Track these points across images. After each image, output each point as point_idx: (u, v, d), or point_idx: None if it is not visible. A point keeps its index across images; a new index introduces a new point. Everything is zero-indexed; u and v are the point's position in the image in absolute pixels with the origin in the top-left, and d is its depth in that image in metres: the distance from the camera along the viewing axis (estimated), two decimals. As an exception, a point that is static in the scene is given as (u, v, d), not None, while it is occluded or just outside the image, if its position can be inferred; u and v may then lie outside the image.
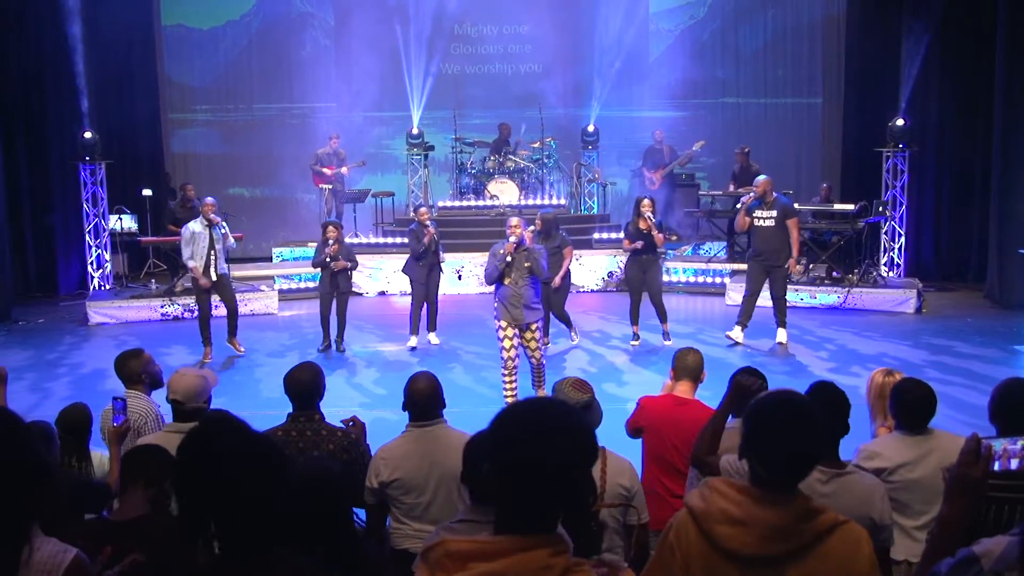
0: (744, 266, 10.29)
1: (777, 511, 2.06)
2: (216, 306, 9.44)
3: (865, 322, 10.48)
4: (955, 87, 12.76)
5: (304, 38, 15.46)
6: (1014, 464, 1.84)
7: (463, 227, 12.87)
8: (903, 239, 12.54)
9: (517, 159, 13.79)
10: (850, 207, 11.57)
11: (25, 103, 13.05)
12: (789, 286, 10.02)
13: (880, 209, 11.93)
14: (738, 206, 9.82)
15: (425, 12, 14.89)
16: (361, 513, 3.71)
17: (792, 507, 2.07)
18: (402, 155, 14.85)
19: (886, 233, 12.58)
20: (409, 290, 9.78)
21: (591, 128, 14.81)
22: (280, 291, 12.10)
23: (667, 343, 9.16)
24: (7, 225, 11.90)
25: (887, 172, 12.44)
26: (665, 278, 11.14)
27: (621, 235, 9.86)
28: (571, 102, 15.24)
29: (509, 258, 7.11)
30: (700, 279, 12.52)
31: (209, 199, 9.19)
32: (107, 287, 12.45)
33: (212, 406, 3.95)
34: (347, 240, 9.85)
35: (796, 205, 11.48)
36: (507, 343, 7.18)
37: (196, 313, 9.67)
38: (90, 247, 12.42)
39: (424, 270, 9.45)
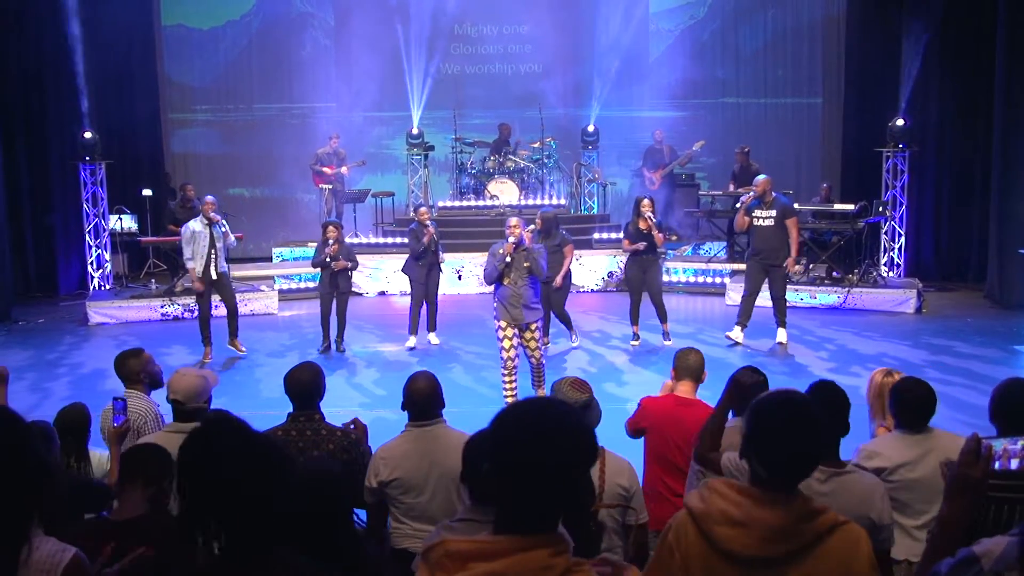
0: (744, 266, 10.29)
1: (777, 512, 2.05)
2: (216, 306, 9.44)
3: (865, 322, 10.48)
4: (955, 87, 12.75)
5: (304, 38, 15.46)
6: (1014, 464, 1.84)
7: (463, 227, 12.87)
8: (903, 239, 12.54)
9: (517, 159, 13.79)
10: (850, 207, 11.57)
11: (25, 103, 13.05)
12: (789, 286, 10.02)
13: (880, 209, 11.93)
14: (737, 205, 9.82)
15: (425, 12, 14.89)
16: (362, 514, 3.71)
17: (792, 508, 2.07)
18: (402, 155, 14.85)
19: (886, 233, 12.58)
20: (409, 290, 9.79)
21: (591, 128, 14.81)
22: (280, 291, 12.10)
23: (667, 343, 9.16)
24: (7, 225, 11.91)
25: (887, 172, 12.44)
26: (665, 278, 11.15)
27: (621, 235, 9.86)
28: (571, 102, 15.24)
29: (509, 259, 7.11)
30: (700, 279, 12.52)
31: (209, 197, 9.19)
32: (107, 287, 12.45)
33: (212, 406, 3.95)
34: (347, 240, 9.85)
35: (796, 205, 11.47)
36: (507, 343, 7.18)
37: (196, 313, 9.68)
38: (90, 247, 12.42)
39: (423, 270, 9.45)
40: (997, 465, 1.85)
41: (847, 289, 11.23)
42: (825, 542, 2.06)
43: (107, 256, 12.56)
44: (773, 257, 9.12)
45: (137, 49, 14.49)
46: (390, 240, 13.34)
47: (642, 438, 4.39)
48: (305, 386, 3.94)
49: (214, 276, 9.02)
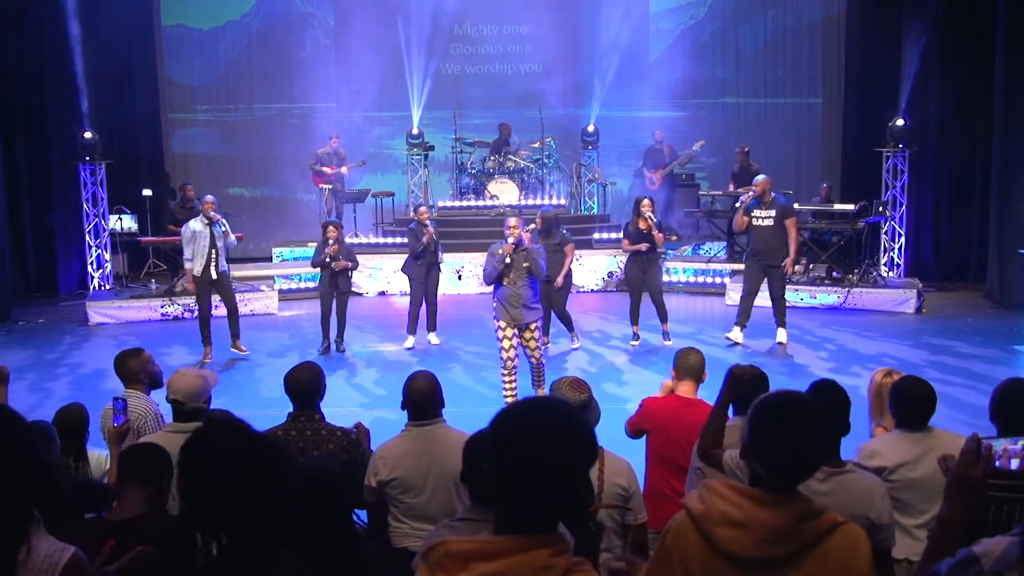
0: (743, 266, 10.29)
1: (777, 513, 2.05)
2: (216, 306, 9.44)
3: (865, 322, 10.48)
4: (955, 87, 12.76)
5: (304, 38, 15.46)
6: (1014, 464, 1.84)
7: (463, 227, 12.87)
8: (903, 239, 12.54)
9: (517, 159, 13.79)
10: (850, 207, 11.57)
11: (25, 103, 13.05)
12: (789, 286, 10.02)
13: (880, 209, 11.93)
14: (737, 205, 9.82)
15: (425, 12, 14.89)
16: (362, 514, 3.70)
17: (792, 509, 2.07)
18: (402, 155, 14.85)
19: (886, 233, 12.59)
20: (408, 290, 9.79)
21: (591, 128, 14.81)
22: (280, 291, 12.10)
23: (667, 343, 9.16)
24: (7, 225, 11.91)
25: (887, 172, 12.44)
26: (665, 278, 11.15)
27: (621, 235, 9.86)
28: (571, 102, 15.24)
29: (508, 259, 7.11)
30: (700, 279, 12.52)
31: (209, 197, 9.19)
32: (107, 287, 12.45)
33: (212, 406, 3.95)
34: (347, 240, 9.85)
35: (796, 205, 11.48)
36: (506, 343, 7.18)
37: (196, 313, 9.67)
38: (90, 247, 12.42)
39: (423, 269, 9.45)
40: (997, 464, 1.85)
41: (847, 289, 11.23)
42: (825, 543, 2.06)
43: (107, 256, 12.56)
44: (772, 257, 9.12)
45: (137, 49, 14.49)
46: (390, 240, 13.34)
47: (642, 439, 4.38)
48: (305, 386, 3.93)
49: (214, 276, 9.01)
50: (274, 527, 1.82)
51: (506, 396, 7.21)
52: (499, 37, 15.61)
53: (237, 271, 11.53)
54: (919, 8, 12.53)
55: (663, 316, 9.31)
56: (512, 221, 7.27)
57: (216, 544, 1.79)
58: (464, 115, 14.66)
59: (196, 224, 8.98)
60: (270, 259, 13.91)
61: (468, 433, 3.09)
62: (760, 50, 15.37)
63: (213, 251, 8.97)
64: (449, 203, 13.82)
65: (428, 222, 9.44)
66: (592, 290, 12.68)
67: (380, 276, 12.71)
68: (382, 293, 12.74)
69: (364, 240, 13.39)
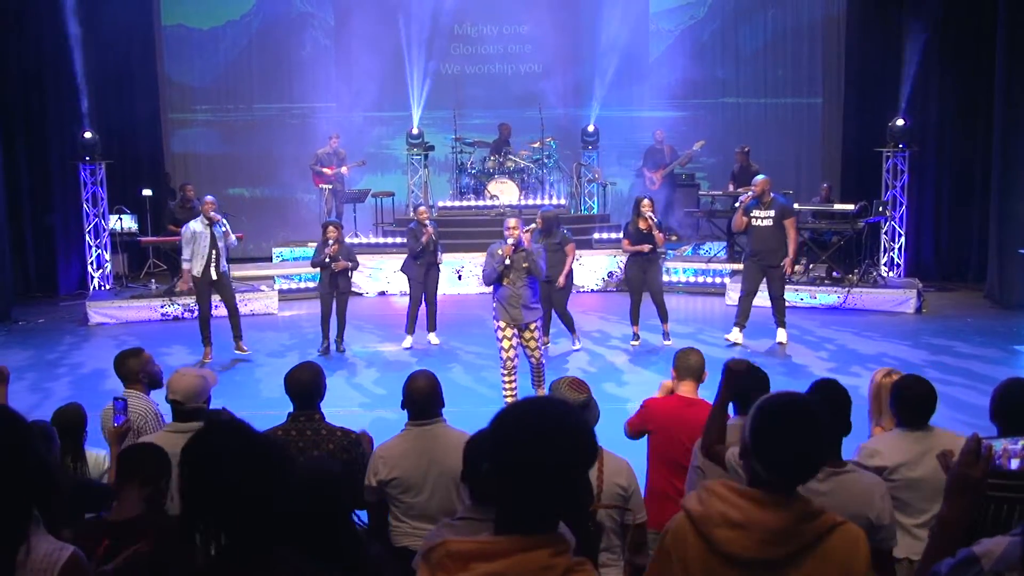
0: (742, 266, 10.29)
1: (777, 514, 2.05)
2: (216, 306, 9.43)
3: (865, 322, 10.48)
4: (955, 87, 12.76)
5: (304, 38, 15.46)
6: (1014, 464, 1.84)
7: (463, 227, 12.87)
8: (903, 239, 12.54)
9: (517, 159, 13.79)
10: (850, 207, 11.57)
11: (25, 103, 13.05)
12: (789, 286, 10.01)
13: (880, 209, 11.93)
14: (736, 205, 9.82)
15: (425, 12, 14.89)
16: (362, 514, 3.70)
17: (792, 509, 2.06)
18: (402, 155, 14.85)
19: (886, 233, 12.58)
20: (408, 290, 9.79)
21: (591, 128, 14.81)
22: (280, 291, 12.10)
23: (667, 343, 9.15)
24: (7, 225, 11.90)
25: (887, 172, 12.44)
26: (665, 278, 11.14)
27: (621, 235, 9.86)
28: (571, 102, 15.24)
29: (508, 260, 7.10)
30: (700, 279, 12.52)
31: (208, 197, 9.19)
32: (107, 287, 12.45)
33: (212, 406, 3.94)
34: (347, 240, 9.85)
35: (796, 205, 11.48)
36: (506, 343, 7.18)
37: (196, 313, 9.67)
38: (90, 247, 12.42)
39: (422, 269, 9.45)
40: (997, 463, 1.84)
41: (847, 289, 11.23)
42: (824, 543, 2.06)
43: (107, 256, 12.56)
44: (771, 258, 9.12)
45: (137, 49, 14.49)
46: (390, 240, 13.34)
47: (642, 439, 4.37)
48: (305, 386, 3.93)
49: (214, 276, 9.01)
50: (275, 527, 1.82)
51: (506, 396, 7.21)
52: (499, 37, 15.61)
53: (237, 271, 11.52)
54: (919, 8, 12.53)
55: (663, 316, 9.31)
56: (511, 222, 7.27)
57: (215, 544, 1.79)
58: (464, 115, 14.66)
59: (196, 225, 8.97)
60: (270, 259, 13.91)
61: (468, 433, 3.09)
62: (760, 50, 15.37)
63: (213, 252, 8.96)
64: (449, 203, 13.82)
65: (427, 222, 9.44)
66: (592, 290, 12.68)
67: (380, 276, 12.71)
68: (382, 293, 12.74)
69: (364, 240, 13.39)
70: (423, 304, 9.58)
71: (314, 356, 8.97)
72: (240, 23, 15.30)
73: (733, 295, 10.97)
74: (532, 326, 7.23)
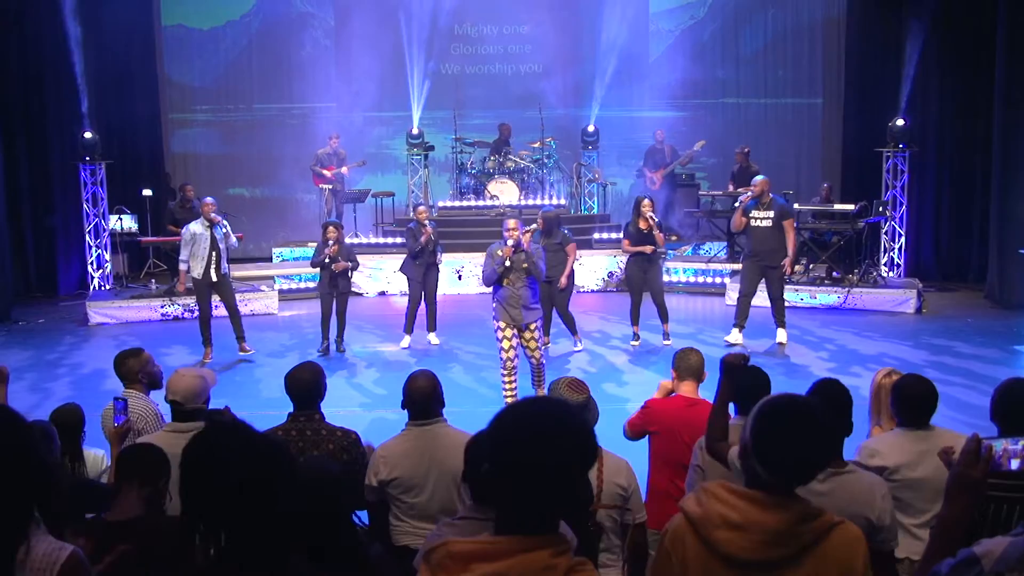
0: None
1: (777, 515, 2.05)
2: (216, 306, 9.43)
3: (865, 322, 10.48)
4: (955, 87, 12.76)
5: (304, 38, 15.46)
6: (1015, 464, 1.84)
7: (463, 227, 12.87)
8: (903, 239, 12.54)
9: (517, 159, 13.79)
10: (850, 207, 11.57)
11: (25, 103, 13.05)
12: (789, 286, 10.01)
13: (880, 209, 11.93)
14: (736, 204, 9.82)
15: (425, 12, 14.89)
16: (362, 515, 3.70)
17: (791, 510, 2.06)
18: (402, 155, 14.85)
19: (886, 233, 12.58)
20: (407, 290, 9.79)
21: (591, 128, 14.81)
22: (280, 291, 12.10)
23: (666, 343, 9.15)
24: (7, 225, 11.91)
25: (887, 172, 12.44)
26: (665, 278, 11.13)
27: (621, 235, 9.86)
28: (571, 102, 15.24)
29: (508, 262, 7.10)
30: (700, 279, 12.52)
31: (208, 199, 9.17)
32: (107, 287, 12.45)
33: (212, 406, 3.94)
34: (347, 240, 9.84)
35: (796, 205, 11.49)
36: (506, 343, 7.18)
37: (196, 313, 9.66)
38: (90, 247, 12.42)
39: (421, 269, 9.45)
40: (997, 461, 1.84)
41: (847, 289, 11.23)
42: (823, 543, 2.06)
43: (107, 256, 12.56)
44: (770, 258, 9.12)
45: (137, 49, 14.49)
46: (390, 240, 13.34)
47: (642, 440, 4.36)
48: (306, 386, 3.93)
49: (214, 278, 8.99)
50: (276, 528, 1.82)
51: (506, 396, 7.21)
52: (499, 37, 15.61)
53: (237, 271, 11.53)
54: (919, 8, 12.53)
55: (663, 316, 9.31)
56: (511, 223, 7.26)
57: (215, 545, 1.79)
58: (464, 115, 14.66)
59: (196, 227, 8.96)
60: (270, 259, 13.91)
61: (469, 433, 3.09)
62: (760, 50, 15.37)
63: (214, 253, 8.94)
64: (449, 203, 13.82)
65: (427, 222, 9.43)
66: (592, 290, 12.68)
67: (380, 276, 12.71)
68: (382, 293, 12.74)
69: (364, 240, 13.39)
70: (423, 304, 9.58)
71: (314, 356, 8.97)
72: (240, 23, 15.30)
73: (733, 295, 10.96)
74: (532, 326, 7.22)
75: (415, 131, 14.43)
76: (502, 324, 7.19)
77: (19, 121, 12.94)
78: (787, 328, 9.37)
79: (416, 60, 14.84)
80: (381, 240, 13.53)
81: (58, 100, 12.95)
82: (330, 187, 13.52)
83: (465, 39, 15.60)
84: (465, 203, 13.73)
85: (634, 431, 4.33)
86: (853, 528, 2.11)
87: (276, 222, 15.17)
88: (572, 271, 9.03)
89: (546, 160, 13.89)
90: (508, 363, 7.18)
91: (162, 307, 11.35)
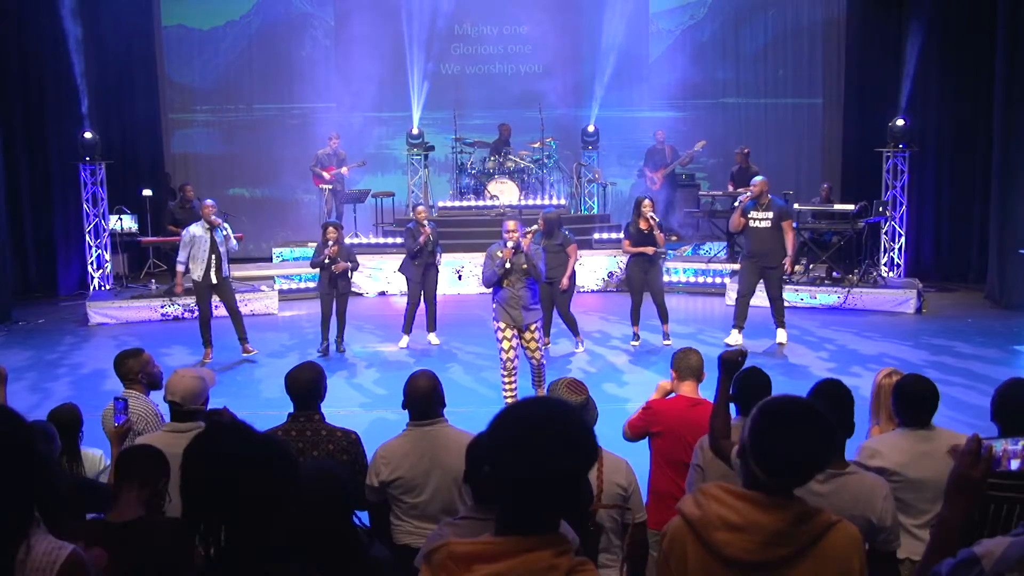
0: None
1: (776, 515, 2.05)
2: (216, 306, 9.42)
3: (865, 322, 10.48)
4: (955, 87, 12.75)
5: (304, 38, 15.46)
6: (1014, 465, 1.84)
7: (463, 227, 12.87)
8: (903, 239, 12.54)
9: (517, 159, 13.79)
10: (850, 207, 11.57)
11: (25, 103, 13.05)
12: (789, 286, 10.01)
13: (880, 209, 11.93)
14: (735, 204, 9.82)
15: (425, 12, 14.89)
16: (362, 516, 3.70)
17: (790, 511, 2.07)
18: (402, 155, 14.85)
19: (886, 233, 12.58)
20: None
21: (591, 128, 14.81)
22: (280, 291, 12.10)
23: (667, 343, 9.15)
24: (7, 225, 11.90)
25: (887, 172, 12.44)
26: (665, 278, 11.13)
27: (621, 235, 9.85)
28: (571, 102, 15.24)
29: (508, 264, 7.10)
30: (700, 279, 12.52)
31: (208, 201, 9.17)
32: (107, 287, 12.45)
33: (213, 405, 3.94)
34: (347, 240, 9.84)
35: (796, 205, 11.49)
36: (506, 344, 7.18)
37: (196, 314, 9.66)
38: (90, 247, 12.42)
39: (420, 269, 9.44)
40: (997, 463, 1.84)
41: (847, 289, 11.23)
42: (821, 543, 2.06)
43: (107, 256, 12.55)
44: (769, 259, 9.12)
45: (137, 49, 14.49)
46: (390, 240, 13.34)
47: (641, 440, 4.35)
48: (306, 386, 3.93)
49: (215, 281, 8.98)
50: (277, 529, 1.82)
51: (506, 397, 7.21)
52: (499, 37, 15.61)
53: (237, 271, 11.52)
54: (919, 8, 12.54)
55: (663, 317, 9.31)
56: (510, 225, 7.25)
57: (215, 546, 1.79)
58: (464, 115, 14.66)
59: (196, 229, 8.95)
60: (270, 259, 13.91)
61: (470, 433, 3.08)
62: (760, 51, 15.38)
63: (213, 256, 8.93)
64: (449, 203, 13.82)
65: (425, 222, 9.43)
66: (592, 290, 12.68)
67: (380, 276, 12.71)
68: (382, 293, 12.74)
69: (364, 240, 13.39)
70: (422, 304, 9.58)
71: (314, 356, 8.96)
72: (240, 23, 15.31)
73: (733, 295, 10.96)
74: (532, 327, 7.22)
75: (415, 131, 14.44)
76: (502, 325, 7.19)
77: (19, 121, 12.94)
78: (787, 328, 9.37)
79: (416, 60, 14.85)
80: (381, 240, 13.53)
81: (58, 100, 12.95)
82: (330, 187, 13.52)
83: (465, 39, 15.60)
84: (465, 203, 13.73)
85: (635, 432, 4.30)
86: (850, 527, 2.12)
87: (276, 222, 15.18)
88: (574, 272, 9.02)
89: (546, 160, 13.89)
90: (508, 364, 7.18)
91: (162, 307, 11.35)
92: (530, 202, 13.27)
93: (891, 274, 12.36)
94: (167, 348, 9.42)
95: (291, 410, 3.94)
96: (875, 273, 11.69)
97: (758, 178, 9.37)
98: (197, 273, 8.96)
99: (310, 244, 12.79)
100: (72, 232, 13.04)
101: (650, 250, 9.12)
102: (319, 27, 15.50)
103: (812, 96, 15.33)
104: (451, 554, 1.74)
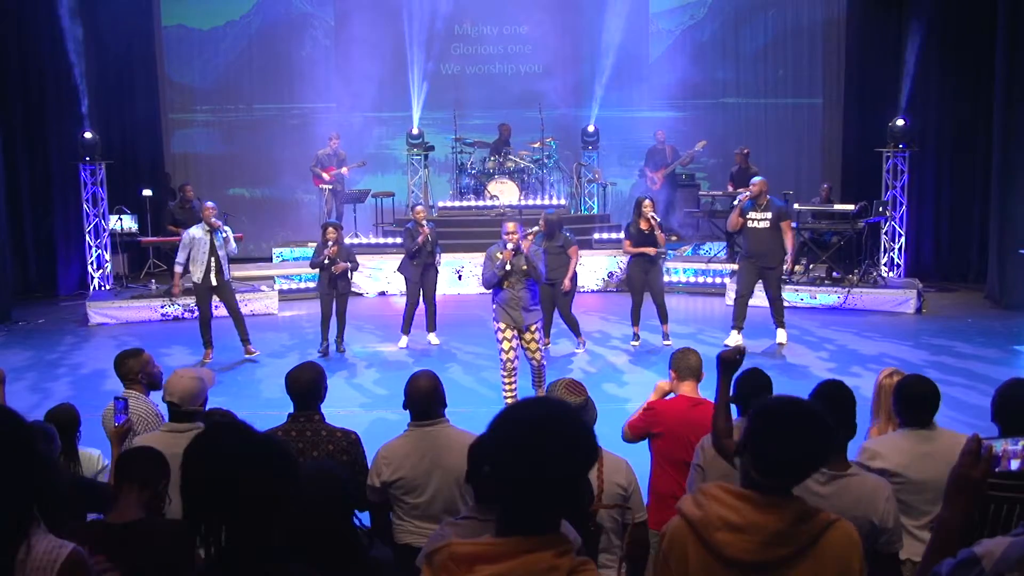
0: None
1: (775, 515, 2.05)
2: (216, 306, 9.42)
3: (865, 322, 10.48)
4: (955, 87, 12.76)
5: (304, 38, 15.47)
6: (1014, 465, 1.84)
7: (463, 227, 12.87)
8: (903, 239, 12.54)
9: (517, 159, 13.79)
10: (850, 207, 11.56)
11: (25, 103, 13.05)
12: (789, 286, 10.00)
13: (880, 209, 11.93)
14: (735, 203, 9.83)
15: (425, 12, 14.89)
16: (363, 516, 3.69)
17: (789, 510, 2.07)
18: (402, 155, 14.85)
19: (886, 233, 12.58)
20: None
21: (591, 128, 14.81)
22: (280, 291, 12.10)
23: (666, 343, 9.15)
24: (7, 225, 11.90)
25: (887, 172, 12.44)
26: (665, 278, 11.13)
27: (621, 236, 9.85)
28: (571, 102, 15.24)
29: (508, 266, 7.10)
30: (700, 279, 12.52)
31: (209, 203, 9.16)
32: (107, 287, 12.45)
33: (213, 405, 3.94)
34: (347, 240, 9.84)
35: (796, 205, 11.48)
36: (506, 345, 7.18)
37: (196, 314, 9.66)
38: (90, 247, 12.42)
39: (418, 269, 9.44)
40: (997, 463, 1.84)
41: (847, 289, 11.23)
42: (820, 542, 2.07)
43: (107, 256, 12.55)
44: (768, 260, 9.12)
45: (137, 49, 14.50)
46: (390, 240, 13.33)
47: (642, 442, 4.34)
48: (306, 386, 3.92)
49: (214, 283, 8.97)
50: (277, 529, 1.82)
51: (506, 397, 7.21)
52: (499, 37, 15.61)
53: (237, 271, 11.51)
54: (919, 8, 12.54)
55: (663, 317, 9.31)
56: (510, 226, 7.25)
57: (215, 546, 1.79)
58: (464, 115, 14.66)
59: (197, 231, 8.94)
60: (270, 259, 13.92)
61: (471, 433, 3.08)
62: (760, 51, 15.38)
63: (213, 259, 8.92)
64: (449, 203, 13.82)
65: (424, 222, 9.43)
66: (592, 290, 12.67)
67: (380, 276, 12.71)
68: (382, 293, 12.74)
69: (364, 240, 13.39)
70: (421, 304, 9.57)
71: (314, 356, 8.96)
72: (240, 23, 15.31)
73: (733, 295, 10.97)
74: (533, 328, 7.22)
75: (415, 131, 14.44)
76: (502, 325, 7.19)
77: (19, 121, 12.94)
78: (787, 328, 9.37)
79: (416, 60, 14.85)
80: (381, 240, 13.53)
81: (58, 100, 12.95)
82: (330, 187, 13.52)
83: (465, 39, 15.60)
84: (465, 203, 13.73)
85: (635, 433, 4.29)
86: (849, 526, 2.12)
87: (276, 222, 15.18)
88: (575, 273, 9.02)
89: (546, 160, 13.89)
90: (508, 364, 7.18)
91: (162, 307, 11.35)
92: (530, 202, 13.27)
93: (891, 274, 12.36)
94: (167, 348, 9.42)
95: (291, 410, 3.94)
96: (875, 273, 11.69)
97: (757, 178, 9.37)
98: (196, 275, 8.96)
99: (310, 244, 12.79)
100: (72, 232, 13.04)
101: (651, 250, 9.12)
102: (319, 27, 15.50)
103: (812, 96, 15.33)
104: (452, 555, 1.74)
